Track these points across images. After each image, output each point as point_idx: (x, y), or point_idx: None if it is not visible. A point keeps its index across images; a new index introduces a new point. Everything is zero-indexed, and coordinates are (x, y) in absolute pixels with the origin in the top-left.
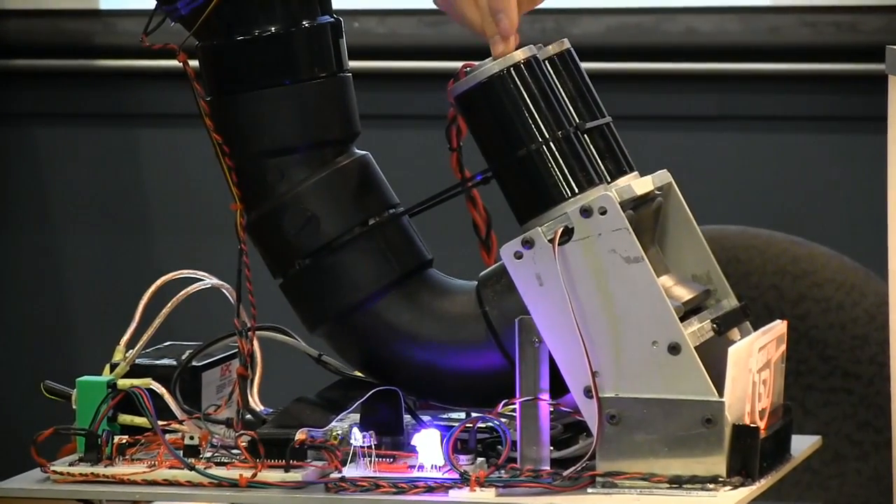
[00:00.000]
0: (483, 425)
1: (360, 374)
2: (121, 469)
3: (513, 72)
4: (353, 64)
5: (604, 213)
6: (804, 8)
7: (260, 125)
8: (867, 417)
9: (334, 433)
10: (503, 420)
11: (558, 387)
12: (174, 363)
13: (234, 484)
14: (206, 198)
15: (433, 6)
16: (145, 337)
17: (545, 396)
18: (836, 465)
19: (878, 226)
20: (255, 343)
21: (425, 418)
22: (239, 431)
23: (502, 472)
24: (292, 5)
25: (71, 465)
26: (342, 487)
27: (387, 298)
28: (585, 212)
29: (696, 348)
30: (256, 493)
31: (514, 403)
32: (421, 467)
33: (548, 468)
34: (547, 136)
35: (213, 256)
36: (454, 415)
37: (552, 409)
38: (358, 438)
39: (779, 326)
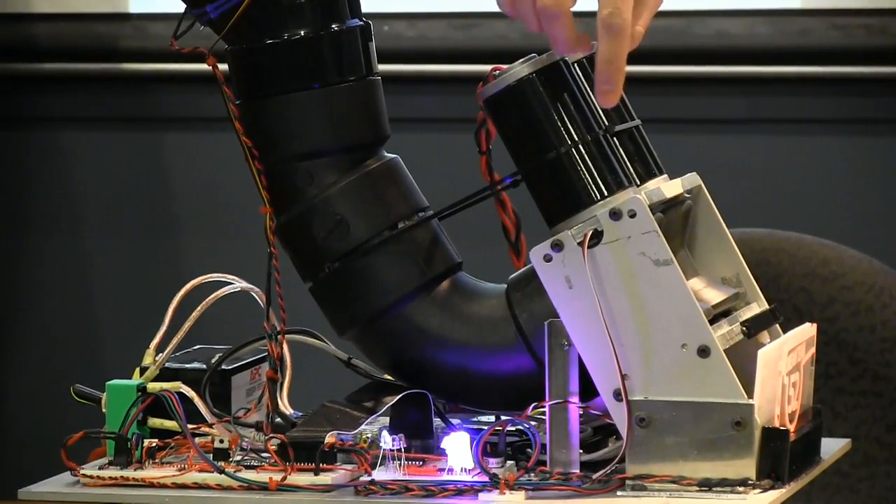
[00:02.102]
0: (512, 428)
1: (389, 377)
2: (150, 472)
3: (542, 75)
4: (382, 67)
5: (633, 215)
6: (834, 11)
7: (289, 129)
8: None
9: (364, 436)
10: (533, 423)
11: (588, 389)
12: (204, 367)
13: (263, 487)
14: (235, 201)
15: (463, 9)
16: (175, 340)
17: (574, 399)
18: (865, 468)
19: None
20: (285, 346)
21: (455, 421)
22: (268, 435)
23: (532, 475)
24: (321, 9)
25: (101, 468)
26: (372, 491)
27: (416, 302)
28: (615, 214)
29: (725, 351)
30: (286, 496)
31: (543, 406)
32: (450, 470)
33: (577, 471)
34: (576, 138)
35: (243, 260)
36: (484, 418)
37: (581, 412)
38: (387, 442)
39: (808, 329)
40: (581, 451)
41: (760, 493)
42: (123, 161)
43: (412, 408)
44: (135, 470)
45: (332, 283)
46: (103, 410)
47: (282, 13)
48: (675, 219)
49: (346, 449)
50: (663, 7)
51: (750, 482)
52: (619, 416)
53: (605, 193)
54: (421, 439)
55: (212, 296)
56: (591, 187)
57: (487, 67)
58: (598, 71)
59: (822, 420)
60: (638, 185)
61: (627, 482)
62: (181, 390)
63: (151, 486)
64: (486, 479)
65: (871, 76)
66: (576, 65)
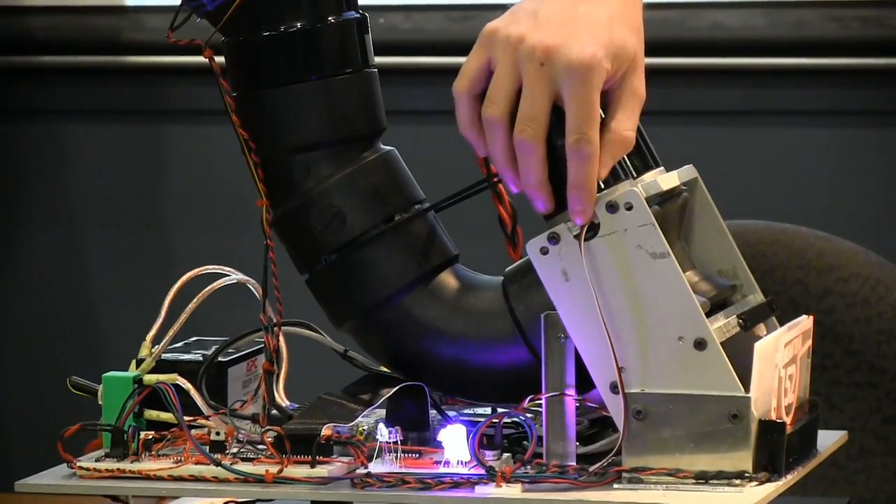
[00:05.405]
0: (509, 421)
1: (386, 369)
2: (147, 465)
3: None
4: (379, 60)
5: (630, 208)
6: (830, 2)
7: (286, 121)
8: (893, 412)
9: (360, 429)
10: (529, 415)
11: (584, 382)
12: (200, 359)
13: (260, 479)
14: (232, 193)
15: (459, 1)
16: (171, 332)
17: (571, 392)
18: (862, 460)
19: None
20: (281, 338)
21: (451, 414)
22: (265, 427)
23: (528, 467)
24: (318, 1)
25: (97, 460)
26: (368, 483)
27: (413, 294)
28: (611, 207)
29: (722, 344)
30: (282, 488)
31: (540, 399)
32: (447, 463)
33: (574, 464)
34: None
35: (239, 252)
36: (480, 410)
37: (578, 405)
38: (384, 434)
39: (805, 321)
40: (577, 443)
41: (757, 485)
42: (120, 153)
43: (409, 400)
44: (131, 462)
45: (328, 276)
46: (100, 402)
47: (278, 5)
48: (671, 211)
49: (343, 441)
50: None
51: (746, 475)
52: (616, 409)
53: (602, 186)
54: (417, 432)
55: (208, 287)
56: None
57: None
58: (569, 195)
59: (819, 412)
60: (634, 178)
61: (624, 475)
62: (177, 382)
63: (148, 478)
64: (482, 471)
65: (867, 67)
66: None
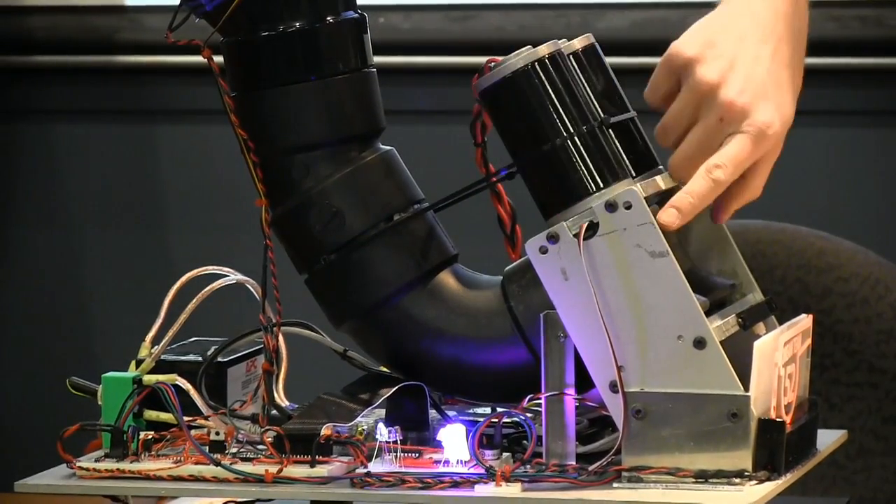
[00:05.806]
0: (508, 420)
1: (385, 369)
2: (146, 465)
3: (537, 67)
4: (378, 59)
5: (629, 207)
6: (829, 2)
7: (285, 121)
8: (893, 412)
9: (360, 428)
10: (529, 415)
11: (584, 381)
12: (199, 359)
13: (259, 479)
14: (231, 194)
15: (458, 1)
16: (171, 333)
17: (571, 391)
18: (861, 459)
19: None
20: (281, 339)
21: (451, 413)
22: (264, 427)
23: (528, 466)
24: (317, 1)
25: (97, 461)
26: (368, 483)
27: (412, 294)
28: (610, 206)
29: (721, 343)
30: (282, 488)
31: (539, 398)
32: (446, 462)
33: (573, 463)
34: (572, 130)
35: (239, 252)
36: (480, 410)
37: (578, 404)
38: (383, 434)
39: (804, 321)
40: (577, 442)
41: (756, 484)
42: (119, 153)
43: (408, 400)
44: (131, 462)
45: (328, 275)
46: (99, 403)
47: (277, 5)
48: None
49: (343, 441)
50: None
51: (746, 474)
52: (615, 408)
53: (601, 185)
54: (417, 431)
55: (207, 288)
56: (587, 179)
57: (483, 59)
58: (676, 196)
59: (818, 412)
60: (633, 177)
61: (623, 474)
62: (177, 382)
63: (147, 478)
64: (482, 471)
65: (867, 67)
66: (571, 56)
